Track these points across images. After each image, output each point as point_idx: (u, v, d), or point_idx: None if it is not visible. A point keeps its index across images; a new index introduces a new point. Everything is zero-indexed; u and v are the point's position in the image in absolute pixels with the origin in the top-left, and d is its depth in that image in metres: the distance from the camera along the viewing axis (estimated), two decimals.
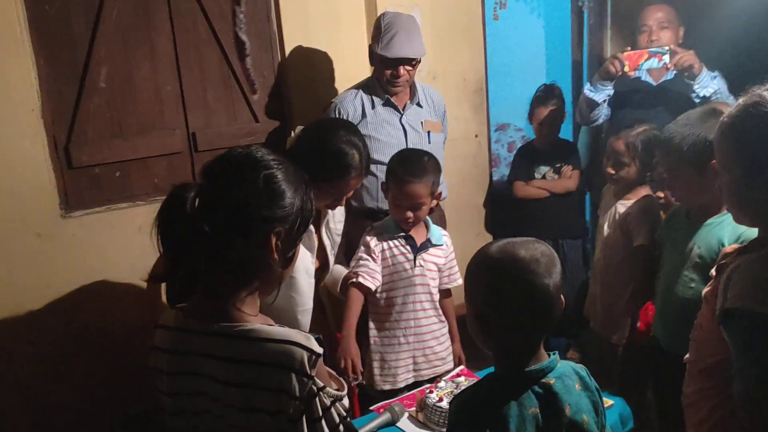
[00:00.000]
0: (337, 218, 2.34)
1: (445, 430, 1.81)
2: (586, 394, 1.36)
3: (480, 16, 3.51)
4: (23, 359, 2.48)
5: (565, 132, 3.94)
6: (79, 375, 2.58)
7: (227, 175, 1.21)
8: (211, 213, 1.16)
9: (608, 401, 2.08)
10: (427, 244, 2.38)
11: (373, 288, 2.31)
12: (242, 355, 1.17)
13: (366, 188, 2.72)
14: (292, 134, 2.31)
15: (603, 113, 3.18)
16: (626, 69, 2.90)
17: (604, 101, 3.11)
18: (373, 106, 2.74)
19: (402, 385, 2.41)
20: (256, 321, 1.21)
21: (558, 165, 3.42)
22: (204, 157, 2.57)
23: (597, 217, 2.96)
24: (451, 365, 2.48)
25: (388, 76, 2.66)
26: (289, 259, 1.27)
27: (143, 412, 2.46)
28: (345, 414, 1.21)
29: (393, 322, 2.39)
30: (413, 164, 2.28)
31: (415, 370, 2.44)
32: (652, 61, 2.88)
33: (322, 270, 2.34)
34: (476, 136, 3.60)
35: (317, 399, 1.16)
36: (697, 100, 2.79)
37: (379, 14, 2.80)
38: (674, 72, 2.96)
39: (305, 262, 2.19)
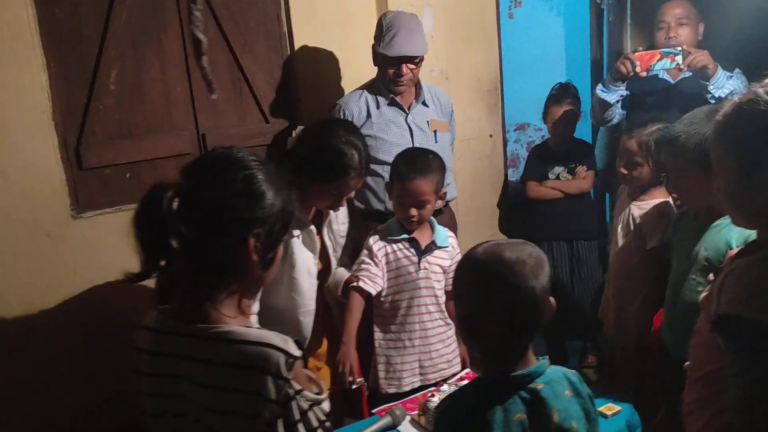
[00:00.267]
0: (340, 219, 2.33)
1: None
2: (576, 400, 1.33)
3: (494, 14, 3.46)
4: (33, 359, 2.51)
5: (585, 132, 3.88)
6: (89, 375, 2.60)
7: (206, 175, 1.20)
8: (189, 213, 1.15)
9: (615, 407, 2.04)
10: (432, 247, 2.36)
11: (374, 293, 2.29)
12: (218, 357, 1.15)
13: (372, 190, 2.70)
14: (293, 134, 2.30)
15: (617, 113, 3.10)
16: (638, 69, 2.83)
17: (618, 102, 3.04)
18: (378, 106, 2.71)
19: (407, 388, 2.39)
20: (235, 323, 1.20)
21: (572, 165, 3.37)
22: None
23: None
24: (458, 368, 2.45)
25: (391, 76, 2.64)
26: (269, 262, 1.25)
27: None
28: (324, 418, 1.19)
29: (398, 325, 2.37)
30: (417, 161, 2.26)
31: (421, 374, 2.42)
32: (664, 62, 2.80)
33: (325, 272, 2.33)
34: (491, 136, 3.55)
35: (294, 403, 1.14)
36: (712, 101, 2.71)
37: None
38: None
39: (307, 263, 2.18)
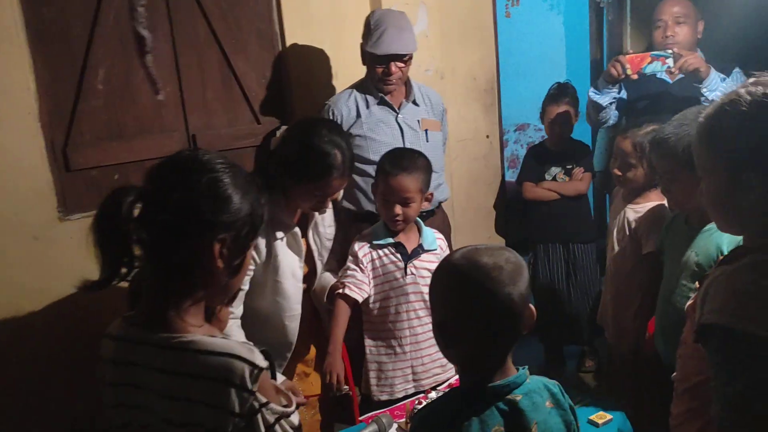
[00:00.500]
0: (326, 222, 2.29)
1: None
2: (557, 412, 1.28)
3: (491, 13, 3.42)
4: (20, 362, 2.48)
5: (584, 132, 3.83)
6: (75, 377, 2.57)
7: (170, 178, 1.16)
8: (151, 218, 1.12)
9: (606, 416, 2.00)
10: (419, 251, 2.31)
11: (360, 300, 2.25)
12: (180, 367, 1.12)
13: (363, 190, 2.66)
14: (277, 134, 2.26)
15: (612, 115, 3.07)
16: (629, 72, 2.78)
17: (611, 103, 3.00)
18: (368, 106, 2.67)
19: (401, 395, 2.34)
20: (200, 332, 1.16)
21: (569, 166, 3.32)
22: None
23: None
24: (452, 372, 2.41)
25: (380, 74, 2.60)
26: (236, 268, 1.21)
27: None
28: (292, 431, 1.15)
29: (387, 331, 2.33)
30: (401, 159, 2.23)
31: (414, 380, 2.37)
32: (655, 65, 2.75)
33: (312, 275, 2.29)
34: (487, 136, 3.50)
35: (260, 416, 1.10)
36: (706, 104, 2.66)
37: None
38: None
39: (292, 266, 2.14)
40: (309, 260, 2.26)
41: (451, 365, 2.41)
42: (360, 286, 2.24)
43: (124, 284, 2.67)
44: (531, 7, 4.16)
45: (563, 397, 1.31)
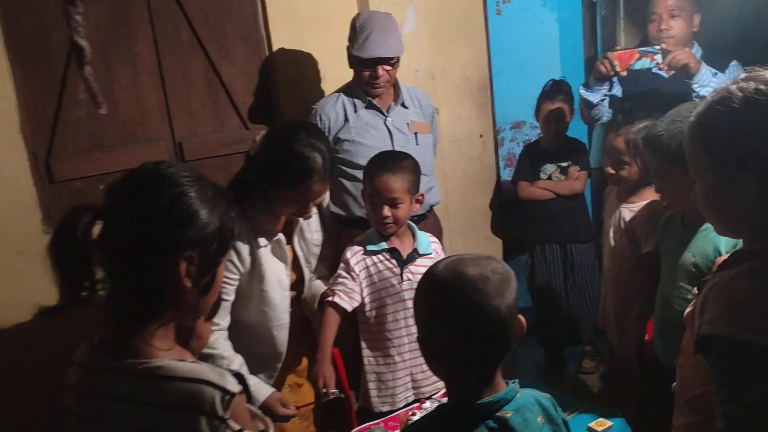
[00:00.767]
0: (313, 228, 2.23)
1: None
2: (550, 428, 1.22)
3: (481, 11, 3.36)
4: (3, 376, 2.43)
5: (581, 130, 3.77)
6: (59, 392, 2.52)
7: (127, 195, 1.10)
8: (111, 238, 1.05)
9: (606, 423, 1.94)
10: (414, 255, 2.25)
11: (349, 309, 2.18)
12: (147, 396, 1.04)
13: (353, 195, 2.60)
14: (257, 139, 2.20)
15: (604, 112, 3.00)
16: (617, 69, 2.72)
17: (603, 100, 2.94)
18: (356, 110, 2.61)
19: (402, 404, 2.27)
20: (169, 356, 1.09)
21: (565, 165, 3.26)
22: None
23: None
24: None
25: (367, 78, 2.54)
26: (206, 287, 1.14)
27: None
28: None
29: (385, 340, 2.26)
30: (386, 159, 2.20)
31: (414, 388, 2.30)
32: (643, 61, 2.68)
33: (300, 282, 2.23)
34: (481, 135, 3.45)
35: None
36: (697, 100, 2.59)
37: None
38: None
39: (278, 274, 2.09)
40: (296, 267, 2.20)
41: None
42: (350, 295, 2.17)
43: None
44: (523, 4, 4.10)
45: (555, 411, 1.25)
